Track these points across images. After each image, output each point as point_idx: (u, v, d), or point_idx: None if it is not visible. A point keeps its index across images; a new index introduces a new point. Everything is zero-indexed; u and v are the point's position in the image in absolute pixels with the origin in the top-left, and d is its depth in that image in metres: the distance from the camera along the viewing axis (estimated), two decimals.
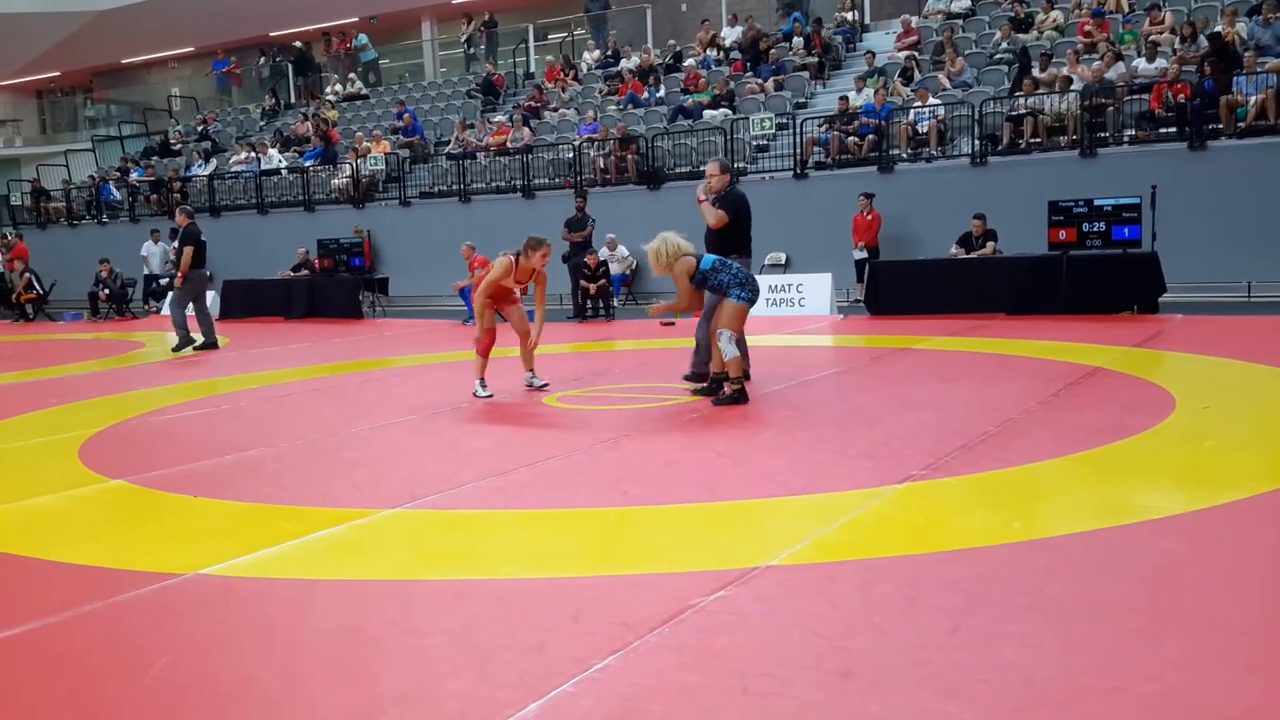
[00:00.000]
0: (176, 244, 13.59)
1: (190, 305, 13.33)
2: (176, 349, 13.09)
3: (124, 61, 33.15)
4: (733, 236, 8.23)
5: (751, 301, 7.54)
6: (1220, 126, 14.48)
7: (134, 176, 26.22)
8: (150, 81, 33.62)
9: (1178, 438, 5.90)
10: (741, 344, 7.98)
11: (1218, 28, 15.79)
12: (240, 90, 31.13)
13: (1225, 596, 3.55)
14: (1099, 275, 12.26)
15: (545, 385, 8.59)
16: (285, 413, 8.36)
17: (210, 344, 13.28)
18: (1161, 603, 3.50)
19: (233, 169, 24.40)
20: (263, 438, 7.09)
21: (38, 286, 21.61)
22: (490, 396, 8.23)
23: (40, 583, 4.26)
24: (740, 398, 7.42)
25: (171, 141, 28.06)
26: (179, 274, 13.39)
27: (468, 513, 4.97)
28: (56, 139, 33.53)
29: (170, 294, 14.18)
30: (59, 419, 8.29)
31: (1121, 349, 9.30)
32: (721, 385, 7.56)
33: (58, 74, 33.90)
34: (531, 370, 8.63)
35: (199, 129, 27.88)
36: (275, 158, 23.85)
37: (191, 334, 13.18)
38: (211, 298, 20.40)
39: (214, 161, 25.42)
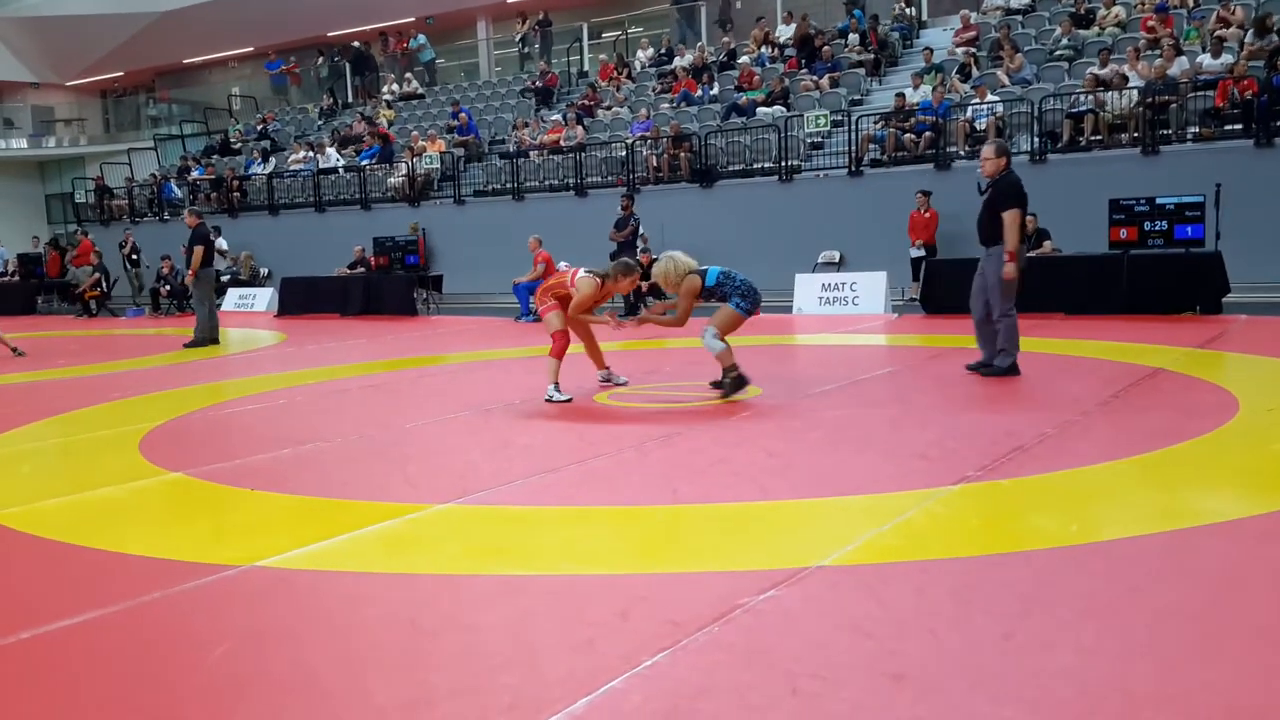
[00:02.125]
0: (187, 244, 14.04)
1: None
2: (192, 344, 13.68)
3: (185, 62, 33.76)
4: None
5: (749, 313, 7.72)
6: None
7: (194, 175, 26.70)
8: (211, 81, 34.21)
9: (1241, 440, 5.77)
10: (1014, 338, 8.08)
11: None
12: (299, 90, 31.57)
13: None
14: (1161, 275, 12.03)
15: (625, 381, 8.56)
16: (340, 408, 8.46)
17: (201, 340, 13.77)
18: (1222, 609, 3.42)
19: (291, 168, 24.74)
20: (318, 432, 7.18)
21: (104, 285, 22.09)
22: (569, 400, 7.91)
23: (101, 573, 4.34)
24: (740, 383, 7.63)
25: (231, 140, 28.55)
26: (189, 272, 13.80)
27: (519, 509, 4.99)
28: (120, 138, 34.24)
29: (193, 293, 14.70)
30: (121, 413, 8.46)
31: (1183, 350, 9.12)
32: (729, 380, 7.68)
33: (121, 74, 34.62)
34: (607, 367, 8.60)
35: (258, 128, 28.33)
36: (333, 157, 24.15)
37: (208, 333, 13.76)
38: (269, 295, 20.76)
39: (273, 160, 25.80)
